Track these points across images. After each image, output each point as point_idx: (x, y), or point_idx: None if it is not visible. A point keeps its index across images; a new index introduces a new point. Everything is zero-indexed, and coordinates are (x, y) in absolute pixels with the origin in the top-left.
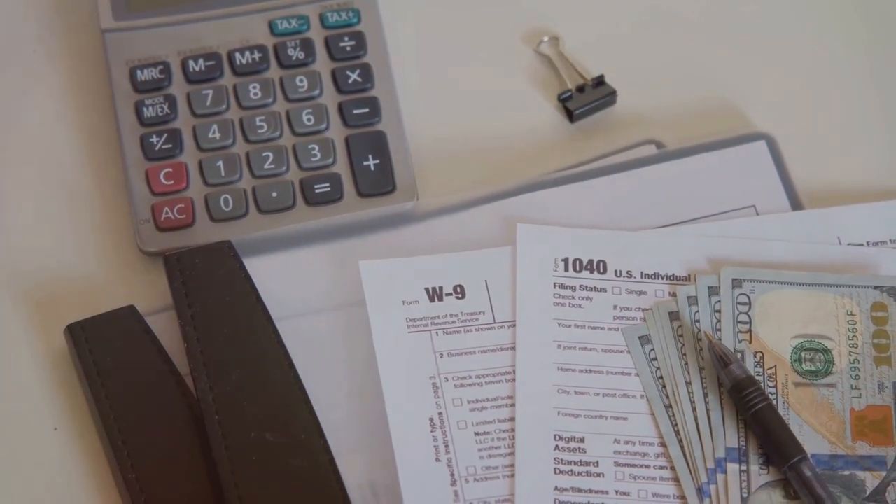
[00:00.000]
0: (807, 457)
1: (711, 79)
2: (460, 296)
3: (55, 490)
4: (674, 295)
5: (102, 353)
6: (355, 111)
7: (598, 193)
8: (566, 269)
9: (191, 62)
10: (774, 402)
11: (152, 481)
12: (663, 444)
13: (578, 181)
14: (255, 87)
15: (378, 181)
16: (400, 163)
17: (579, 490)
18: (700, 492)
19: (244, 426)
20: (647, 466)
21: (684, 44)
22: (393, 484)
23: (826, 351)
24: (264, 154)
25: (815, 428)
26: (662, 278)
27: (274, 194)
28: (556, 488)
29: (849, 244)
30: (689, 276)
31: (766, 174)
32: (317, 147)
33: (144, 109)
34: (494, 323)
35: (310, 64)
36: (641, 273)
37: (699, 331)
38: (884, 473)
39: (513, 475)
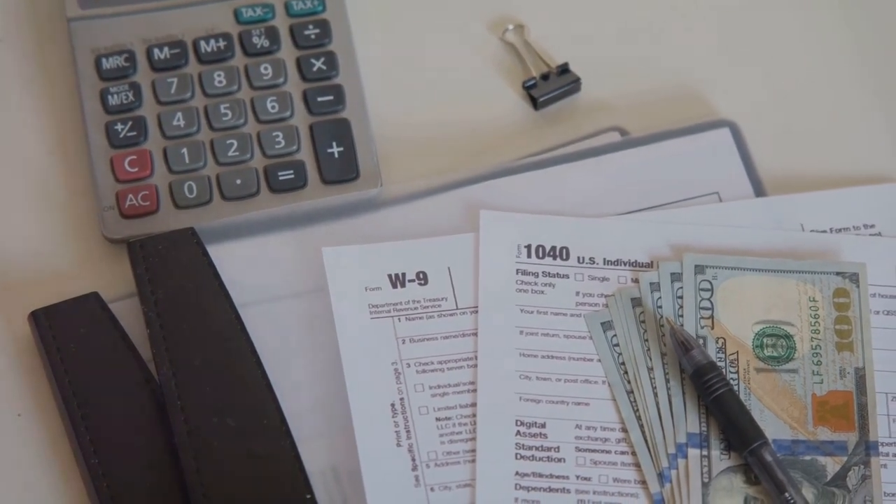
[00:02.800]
0: (767, 442)
1: (675, 67)
2: (423, 282)
3: (18, 475)
4: (636, 281)
5: (66, 339)
6: (319, 99)
7: (562, 180)
8: (529, 256)
9: (156, 50)
10: (736, 387)
11: (114, 467)
12: (624, 430)
13: (542, 168)
14: (219, 75)
15: (342, 168)
16: (364, 150)
17: (540, 475)
18: (661, 477)
19: (206, 411)
20: (609, 452)
21: (648, 32)
22: (355, 469)
23: (788, 337)
24: (228, 141)
25: (776, 413)
26: (625, 265)
27: (238, 181)
28: (516, 473)
29: (812, 231)
30: (652, 262)
31: (729, 161)
32: (281, 134)
33: (109, 97)
34: (457, 309)
35: (274, 52)
36: (604, 259)
37: (661, 317)
38: (845, 458)
39: (474, 460)
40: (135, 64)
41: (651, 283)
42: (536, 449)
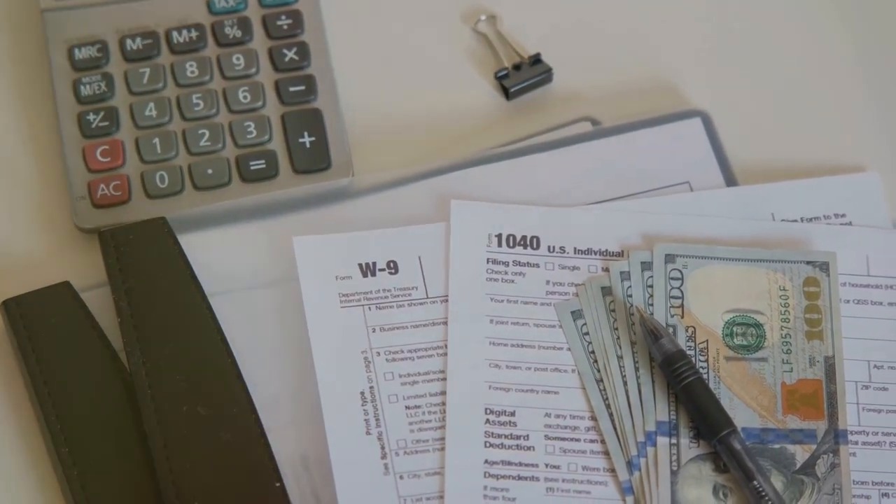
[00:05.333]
0: (736, 430)
1: (647, 57)
2: (393, 271)
3: None
4: (607, 270)
5: (37, 328)
6: (291, 89)
7: (534, 170)
8: (499, 245)
9: (128, 41)
10: (705, 376)
11: (85, 455)
12: (594, 418)
13: (514, 158)
14: (192, 66)
15: (313, 158)
16: (335, 140)
17: (509, 463)
18: (630, 465)
19: (176, 400)
20: (578, 440)
21: (620, 22)
22: (324, 457)
23: (758, 325)
24: (200, 131)
25: (745, 402)
26: (595, 254)
27: (210, 171)
28: (486, 461)
29: (782, 220)
30: (623, 251)
31: (701, 151)
32: (253, 124)
33: (82, 87)
34: (427, 298)
35: (247, 42)
36: (575, 249)
37: (631, 305)
38: (814, 447)
39: (443, 448)
40: (107, 54)
41: (621, 272)
42: (506, 437)
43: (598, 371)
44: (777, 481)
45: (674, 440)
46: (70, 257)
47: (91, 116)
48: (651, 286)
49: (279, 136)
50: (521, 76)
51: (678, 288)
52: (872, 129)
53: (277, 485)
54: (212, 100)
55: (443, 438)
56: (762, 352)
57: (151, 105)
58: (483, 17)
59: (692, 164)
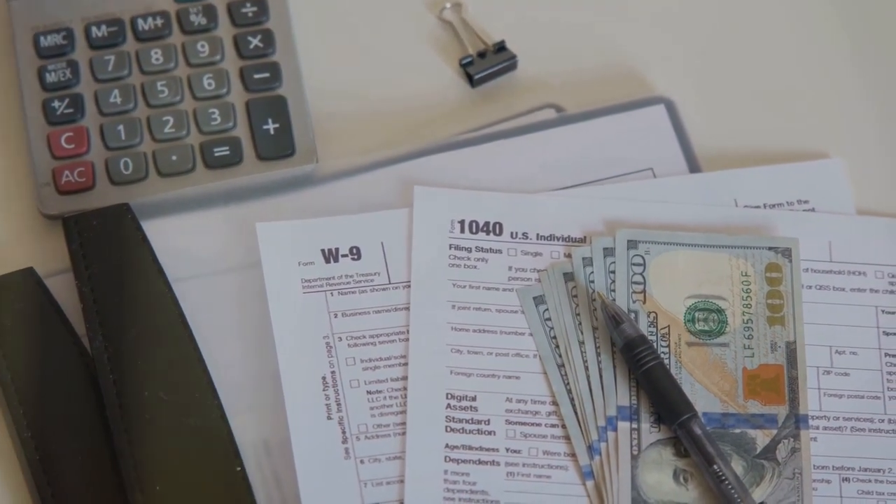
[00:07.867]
0: (696, 415)
1: (611, 44)
2: (356, 257)
3: None
4: (569, 256)
5: (0, 314)
6: (256, 76)
7: (498, 157)
8: (462, 231)
9: (94, 28)
10: (667, 361)
11: (48, 439)
12: (555, 403)
13: (478, 144)
14: (156, 53)
15: (277, 145)
16: (300, 127)
17: (470, 448)
18: (590, 449)
19: (138, 385)
20: (539, 425)
21: (584, 10)
22: (285, 442)
23: (720, 311)
24: (165, 118)
25: (707, 387)
26: (558, 240)
27: (174, 158)
28: (447, 446)
29: (745, 206)
30: (585, 237)
31: (664, 138)
32: (217, 111)
33: (47, 75)
34: (389, 284)
35: (212, 30)
36: (537, 235)
37: (593, 291)
38: (774, 431)
39: (404, 433)
40: (73, 42)
41: (584, 258)
42: (467, 422)
43: (560, 356)
44: (737, 466)
45: (634, 425)
46: (34, 243)
47: (56, 103)
48: (613, 272)
49: (243, 122)
50: (486, 63)
51: (640, 274)
52: (836, 116)
53: (238, 469)
54: (176, 87)
55: (404, 423)
56: (724, 337)
57: (116, 92)
58: (448, 5)
59: (656, 151)
